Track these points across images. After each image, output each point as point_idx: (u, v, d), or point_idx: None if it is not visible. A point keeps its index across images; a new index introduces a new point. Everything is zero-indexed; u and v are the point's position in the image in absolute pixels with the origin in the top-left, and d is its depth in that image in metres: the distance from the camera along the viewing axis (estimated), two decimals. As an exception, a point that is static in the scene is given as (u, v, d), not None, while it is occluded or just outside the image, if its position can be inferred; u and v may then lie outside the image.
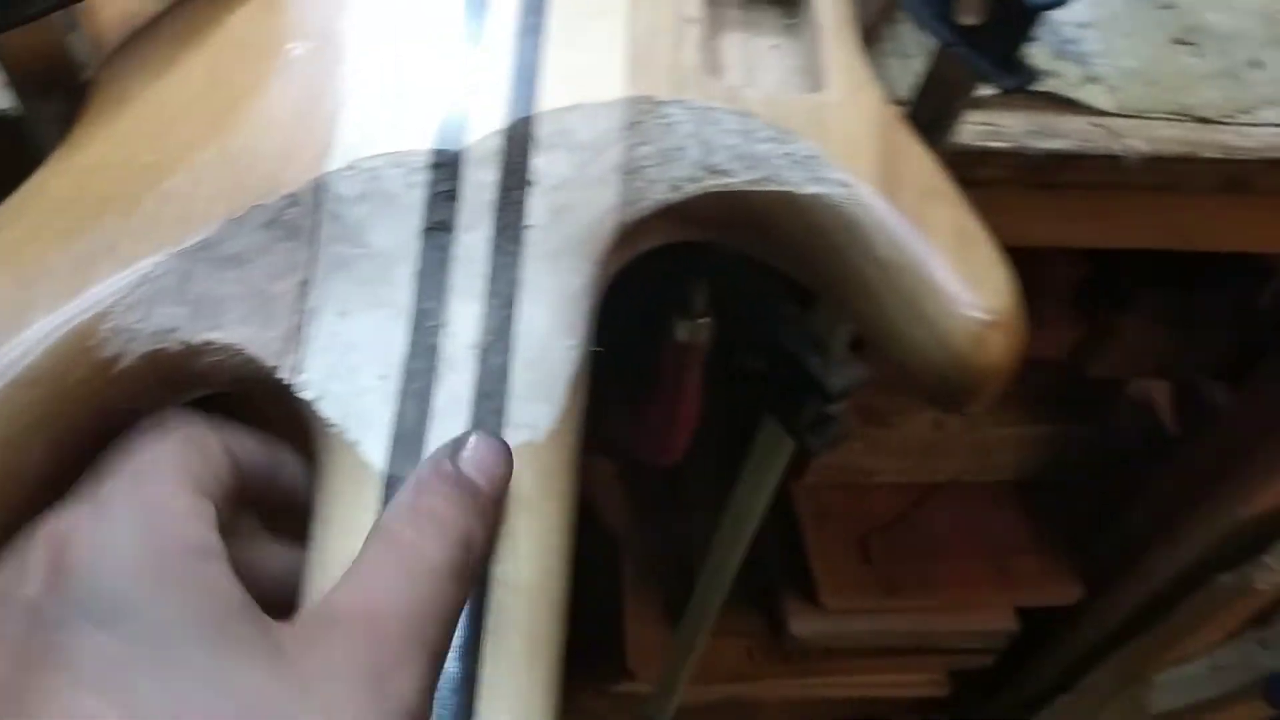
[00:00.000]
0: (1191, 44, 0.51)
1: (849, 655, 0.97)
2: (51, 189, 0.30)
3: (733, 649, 0.98)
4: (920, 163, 0.35)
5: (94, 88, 0.34)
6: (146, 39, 0.35)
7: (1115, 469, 0.96)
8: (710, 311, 0.61)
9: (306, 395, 0.29)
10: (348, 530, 0.27)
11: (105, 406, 0.27)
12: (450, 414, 0.29)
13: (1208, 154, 0.46)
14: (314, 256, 0.30)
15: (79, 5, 0.32)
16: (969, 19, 0.36)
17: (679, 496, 1.01)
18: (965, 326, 0.32)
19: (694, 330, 0.61)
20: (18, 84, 0.34)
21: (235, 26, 0.34)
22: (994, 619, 0.94)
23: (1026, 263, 0.76)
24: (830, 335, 0.52)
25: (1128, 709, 0.96)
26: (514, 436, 0.29)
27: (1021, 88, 0.36)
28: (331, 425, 0.29)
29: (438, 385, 0.30)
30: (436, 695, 0.24)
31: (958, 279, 0.33)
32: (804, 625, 0.90)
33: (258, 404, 0.30)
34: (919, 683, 1.05)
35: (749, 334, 0.55)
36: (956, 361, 0.32)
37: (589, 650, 1.03)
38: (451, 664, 0.25)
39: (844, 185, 0.34)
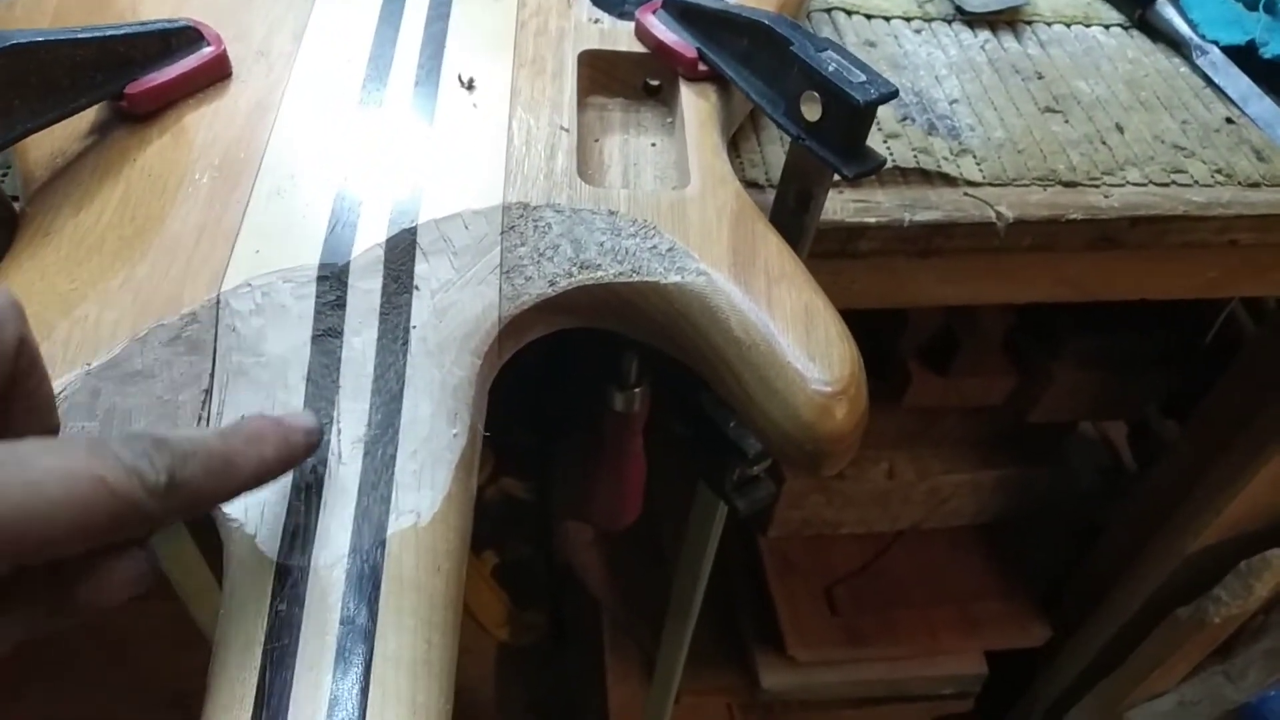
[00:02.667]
0: (1059, 111, 0.54)
1: (825, 707, 0.98)
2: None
3: (714, 707, 0.99)
4: (770, 248, 0.39)
5: (24, 219, 0.37)
6: (70, 174, 0.39)
7: (1074, 508, 0.98)
8: (643, 381, 0.64)
9: (211, 497, 0.32)
10: (248, 611, 0.30)
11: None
12: (337, 507, 0.32)
13: (1074, 215, 0.50)
14: (215, 367, 0.34)
15: (12, 147, 0.37)
16: (812, 116, 0.39)
17: (654, 552, 1.04)
18: (810, 398, 0.35)
19: (629, 400, 0.64)
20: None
21: (147, 160, 0.38)
22: (963, 664, 0.96)
23: (957, 313, 0.80)
24: (744, 401, 0.55)
25: (1107, 747, 0.97)
26: (398, 523, 0.32)
27: (866, 174, 0.40)
28: (234, 521, 0.32)
29: (328, 481, 0.33)
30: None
31: (803, 354, 0.36)
32: (775, 678, 0.91)
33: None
34: (903, 731, 1.06)
35: (675, 402, 0.58)
36: (804, 430, 0.35)
37: (572, 712, 1.05)
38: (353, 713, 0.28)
39: (701, 274, 0.37)
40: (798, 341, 0.36)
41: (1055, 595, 0.98)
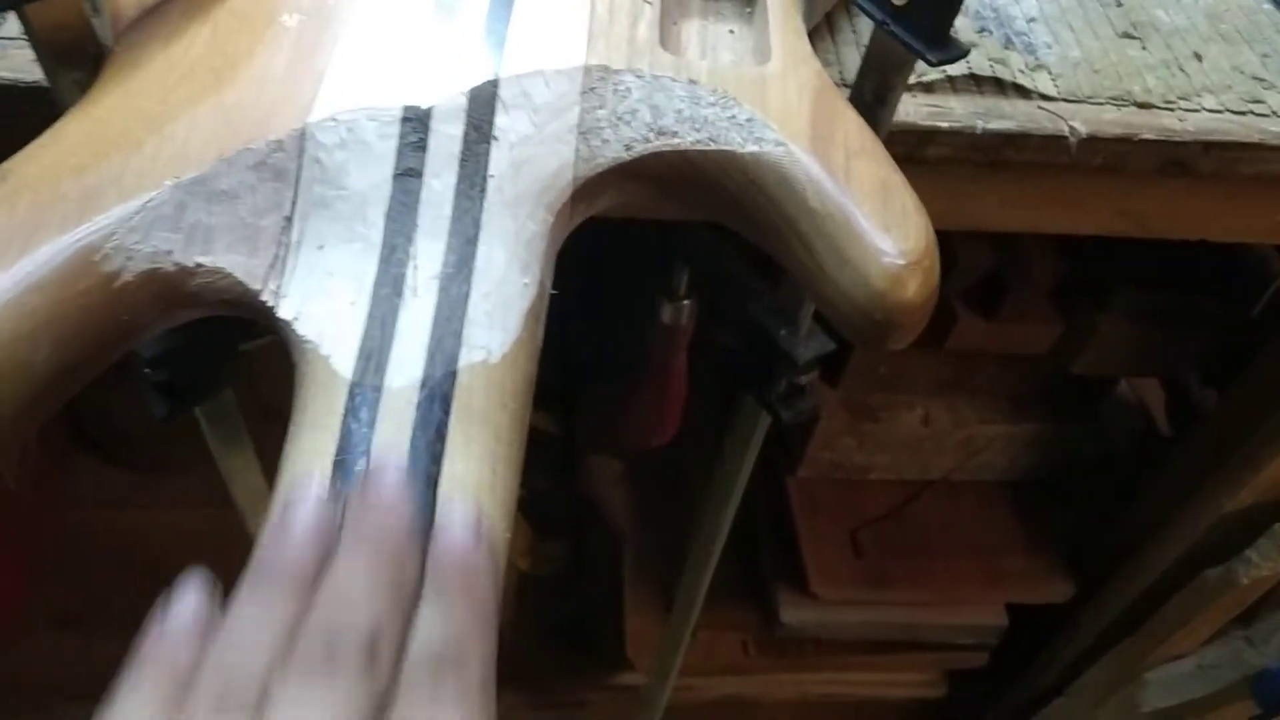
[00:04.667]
0: (1137, 38, 0.54)
1: (841, 649, 0.99)
2: (68, 133, 0.34)
3: (729, 642, 1.00)
4: (849, 124, 0.38)
5: (111, 57, 0.38)
6: (158, 15, 0.39)
7: (1106, 469, 0.98)
8: (692, 294, 0.64)
9: (286, 316, 0.33)
10: (319, 427, 0.31)
11: (107, 318, 0.31)
12: (412, 335, 0.33)
13: (1146, 135, 0.49)
14: (297, 196, 0.34)
15: (101, -12, 0.37)
16: (900, 1, 0.39)
17: (680, 494, 1.04)
18: (885, 269, 0.35)
19: (677, 312, 0.65)
20: (46, 57, 0.38)
21: (235, 2, 0.38)
22: (984, 615, 0.96)
23: (1007, 257, 0.79)
24: (798, 309, 0.55)
25: (1122, 709, 0.97)
26: (469, 356, 0.33)
27: (950, 61, 0.39)
28: (308, 342, 0.32)
29: (402, 310, 0.33)
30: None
31: (878, 226, 0.36)
32: (795, 614, 0.92)
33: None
34: (915, 682, 1.07)
35: (724, 312, 0.58)
36: (876, 300, 0.35)
37: (591, 643, 1.06)
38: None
39: (779, 144, 0.37)
40: (874, 213, 0.36)
41: (1079, 554, 0.98)
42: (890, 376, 0.87)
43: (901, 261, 0.35)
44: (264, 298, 0.33)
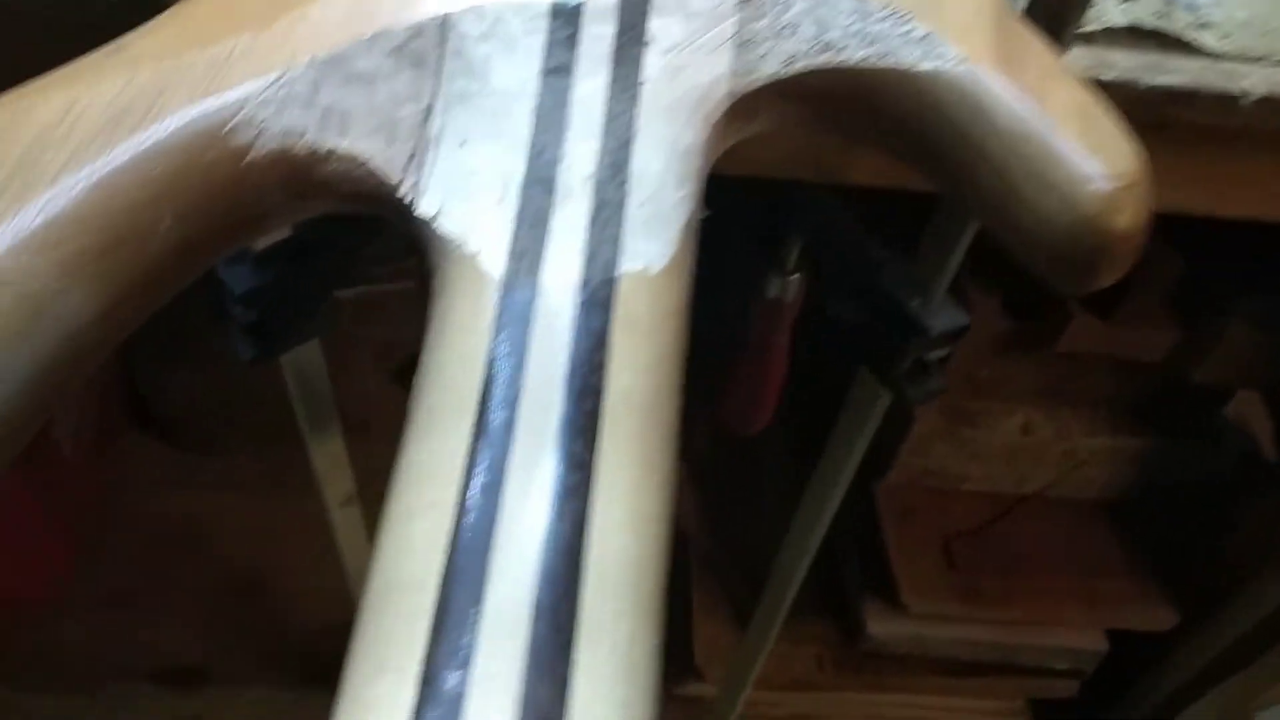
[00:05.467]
0: (1314, -4, 0.49)
1: (925, 669, 0.93)
2: (189, 11, 0.31)
3: (803, 656, 0.95)
4: (1037, 48, 0.34)
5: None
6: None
7: (1212, 492, 0.92)
8: (802, 267, 0.60)
9: (426, 214, 0.30)
10: (466, 329, 0.27)
11: (233, 198, 0.28)
12: (566, 236, 0.29)
13: (1332, 98, 0.45)
14: (437, 87, 0.31)
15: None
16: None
17: (751, 497, 1.00)
18: (1095, 190, 0.31)
19: (785, 286, 0.61)
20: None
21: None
22: (1082, 638, 0.90)
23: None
24: (931, 278, 0.51)
25: (1224, 750, 0.90)
26: (628, 265, 0.29)
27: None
28: (451, 240, 0.29)
29: (554, 211, 0.30)
30: (552, 498, 0.24)
31: (1084, 148, 0.32)
32: (883, 627, 0.87)
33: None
34: (996, 710, 1.01)
35: (846, 282, 0.54)
36: (1087, 226, 0.31)
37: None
38: (571, 474, 0.25)
39: (962, 62, 0.34)
40: (1076, 135, 0.32)
41: (1183, 581, 0.92)
42: (991, 380, 0.82)
43: (1115, 184, 0.31)
44: (401, 192, 0.30)
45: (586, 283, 0.28)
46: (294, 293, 0.49)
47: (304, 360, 0.54)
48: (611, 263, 0.29)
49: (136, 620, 1.03)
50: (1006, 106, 0.33)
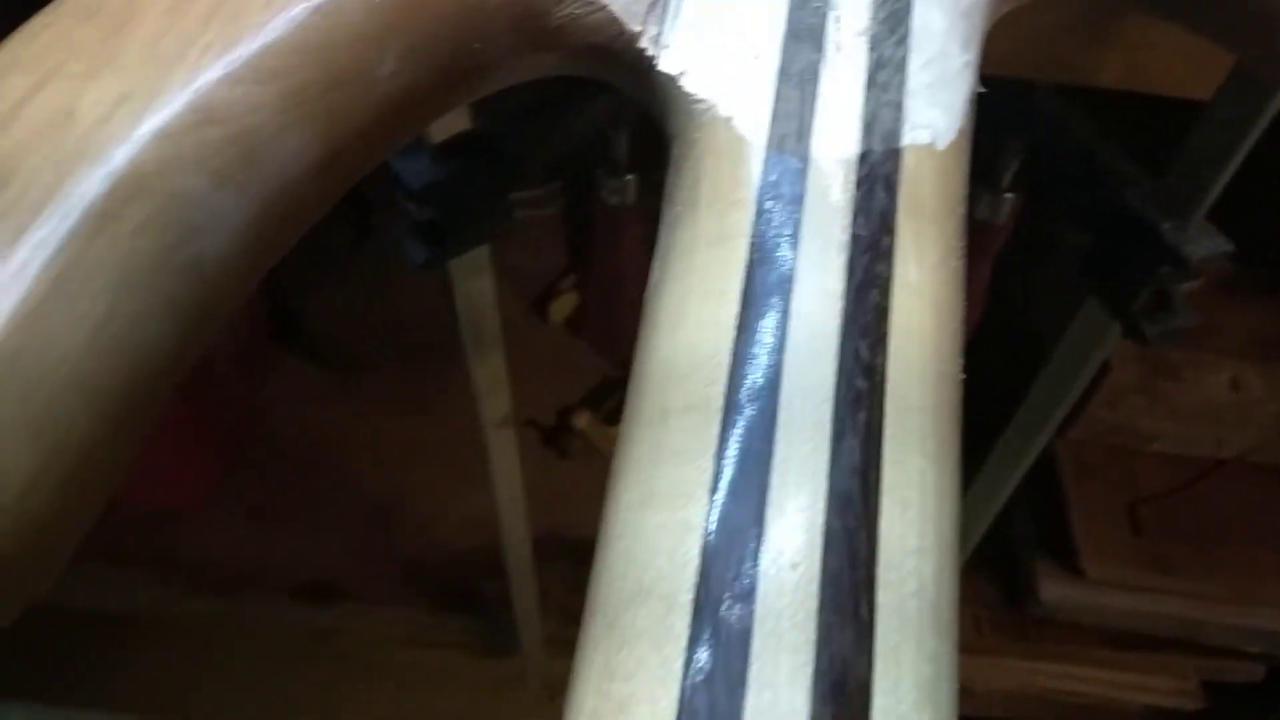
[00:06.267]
0: None
1: (1093, 640, 0.86)
2: None
3: (961, 615, 0.89)
4: None
5: None
6: None
7: None
8: (1019, 185, 0.54)
9: (671, 69, 0.25)
10: (723, 203, 0.23)
11: (459, 40, 0.24)
12: (839, 98, 0.24)
13: None
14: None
15: None
16: None
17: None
18: None
19: (997, 207, 0.54)
20: None
21: None
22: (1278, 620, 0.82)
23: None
24: (1189, 199, 0.44)
25: None
26: (913, 136, 0.24)
27: None
28: (701, 102, 0.24)
29: (823, 68, 0.25)
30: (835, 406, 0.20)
31: None
32: (1056, 591, 0.80)
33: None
34: (1166, 689, 0.93)
35: (1079, 201, 0.48)
36: None
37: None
38: (866, 353, 0.20)
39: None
40: None
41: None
42: (1201, 329, 0.73)
43: None
44: (642, 44, 0.25)
45: (866, 154, 0.23)
46: (471, 190, 0.45)
47: (472, 267, 0.51)
48: (894, 132, 0.24)
49: (277, 534, 1.04)
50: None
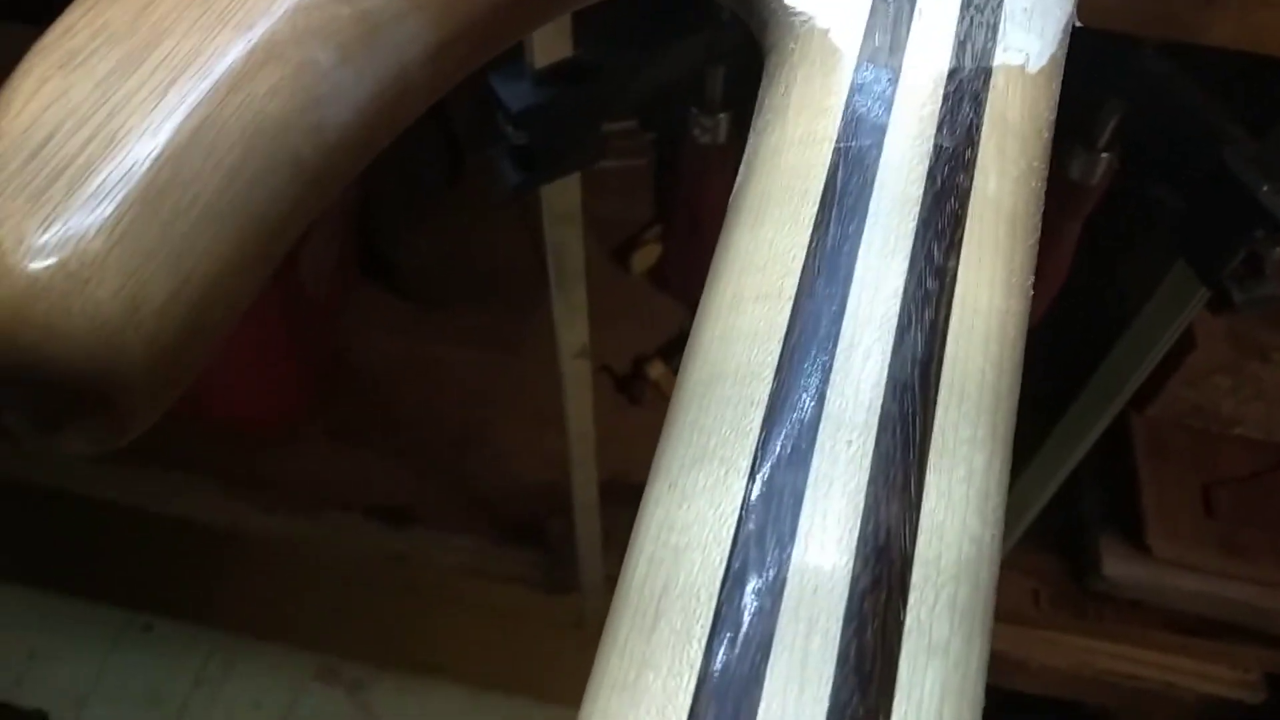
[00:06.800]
0: None
1: (1155, 621, 0.85)
2: None
3: (1017, 588, 0.89)
4: None
5: None
6: None
7: None
8: (1114, 144, 0.53)
9: (767, -19, 0.26)
10: (813, 109, 0.24)
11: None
12: (934, 16, 0.25)
13: None
14: None
15: None
16: None
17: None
18: None
19: (1092, 166, 0.54)
20: None
21: None
22: (1352, 615, 0.80)
23: None
24: (1289, 161, 0.43)
25: None
26: (1005, 57, 0.25)
27: None
28: (798, 13, 0.25)
29: (922, -13, 0.25)
30: (905, 301, 0.20)
31: None
32: (1121, 568, 0.80)
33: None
34: (1226, 679, 0.92)
35: (1176, 161, 0.47)
36: None
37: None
38: (929, 279, 0.21)
39: None
40: None
41: None
42: (1295, 311, 0.72)
43: None
44: (740, -46, 0.26)
45: (956, 70, 0.24)
46: (568, 116, 0.46)
47: (562, 195, 0.52)
48: (987, 51, 0.25)
49: (357, 457, 1.08)
50: None
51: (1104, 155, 0.53)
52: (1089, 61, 0.52)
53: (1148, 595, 0.82)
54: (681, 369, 0.22)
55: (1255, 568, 0.78)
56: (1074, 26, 0.28)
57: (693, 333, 0.23)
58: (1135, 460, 0.79)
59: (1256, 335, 0.74)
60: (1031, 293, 0.24)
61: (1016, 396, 0.22)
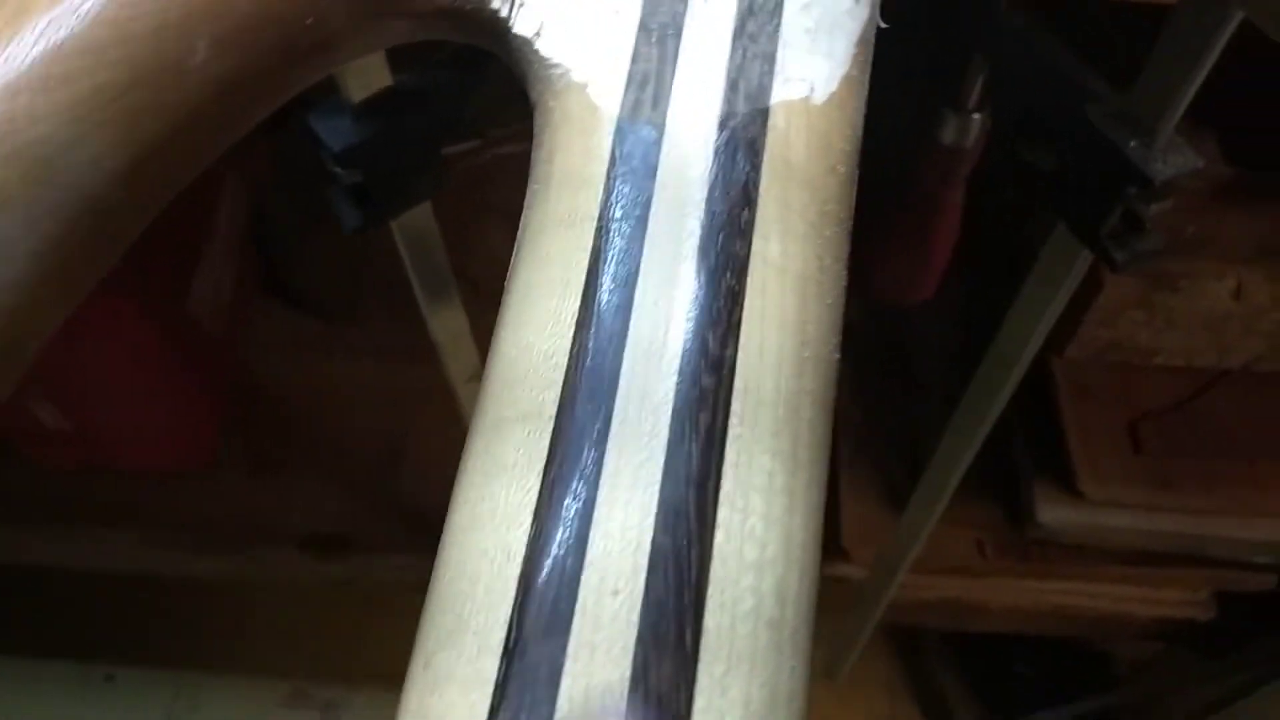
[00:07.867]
0: None
1: (1099, 558, 0.85)
2: None
3: (961, 540, 0.88)
4: None
5: None
6: None
7: None
8: (985, 105, 0.51)
9: (525, 31, 0.23)
10: (573, 182, 0.21)
11: (287, 18, 0.22)
12: (703, 55, 0.22)
13: None
14: None
15: None
16: None
17: (908, 370, 0.92)
18: None
19: (964, 127, 0.52)
20: None
21: None
22: (1285, 530, 0.80)
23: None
24: (1156, 115, 0.41)
25: None
26: (785, 90, 0.22)
27: None
28: (554, 65, 0.22)
29: (688, 21, 0.23)
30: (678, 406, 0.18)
31: None
32: (1054, 514, 0.79)
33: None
34: (1177, 600, 0.93)
35: (1042, 119, 0.45)
36: None
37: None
38: (714, 345, 0.19)
39: None
40: None
41: None
42: (1200, 238, 0.71)
43: None
44: (495, 4, 0.23)
45: (727, 116, 0.21)
46: (399, 149, 0.43)
47: (416, 226, 0.49)
48: (762, 89, 0.22)
49: (281, 488, 1.05)
50: None
51: (975, 116, 0.51)
52: (950, 18, 0.49)
53: (1085, 538, 0.82)
54: (450, 506, 0.20)
55: (1187, 498, 0.77)
56: (878, 28, 0.25)
57: (461, 460, 0.20)
58: (1059, 404, 0.79)
59: (1165, 268, 0.73)
60: (838, 355, 0.21)
61: (821, 475, 0.20)
